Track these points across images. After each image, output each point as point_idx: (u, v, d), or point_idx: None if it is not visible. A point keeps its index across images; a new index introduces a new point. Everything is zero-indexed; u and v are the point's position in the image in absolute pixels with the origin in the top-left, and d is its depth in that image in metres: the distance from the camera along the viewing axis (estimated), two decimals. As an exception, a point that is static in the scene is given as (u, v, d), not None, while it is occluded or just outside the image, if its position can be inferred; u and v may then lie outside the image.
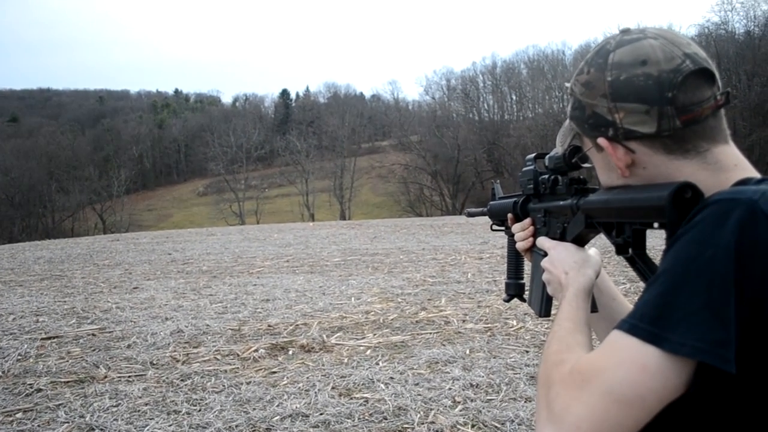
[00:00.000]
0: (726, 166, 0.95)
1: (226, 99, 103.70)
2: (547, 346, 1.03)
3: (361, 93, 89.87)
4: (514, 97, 69.37)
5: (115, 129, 77.86)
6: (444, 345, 4.72)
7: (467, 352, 4.51)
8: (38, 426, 3.40)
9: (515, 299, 1.61)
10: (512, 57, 76.13)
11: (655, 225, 0.95)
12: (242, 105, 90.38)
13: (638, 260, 1.02)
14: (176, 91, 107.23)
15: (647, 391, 0.80)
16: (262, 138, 73.17)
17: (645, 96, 0.94)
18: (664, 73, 0.93)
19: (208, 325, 5.60)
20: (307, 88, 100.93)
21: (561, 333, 1.04)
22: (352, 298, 6.80)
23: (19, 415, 3.56)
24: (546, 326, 5.05)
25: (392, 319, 5.65)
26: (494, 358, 4.36)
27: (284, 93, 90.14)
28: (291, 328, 5.44)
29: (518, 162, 51.27)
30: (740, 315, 0.79)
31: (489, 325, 5.28)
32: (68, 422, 3.43)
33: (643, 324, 0.83)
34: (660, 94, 0.93)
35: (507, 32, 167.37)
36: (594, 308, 1.17)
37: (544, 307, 1.33)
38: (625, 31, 1.02)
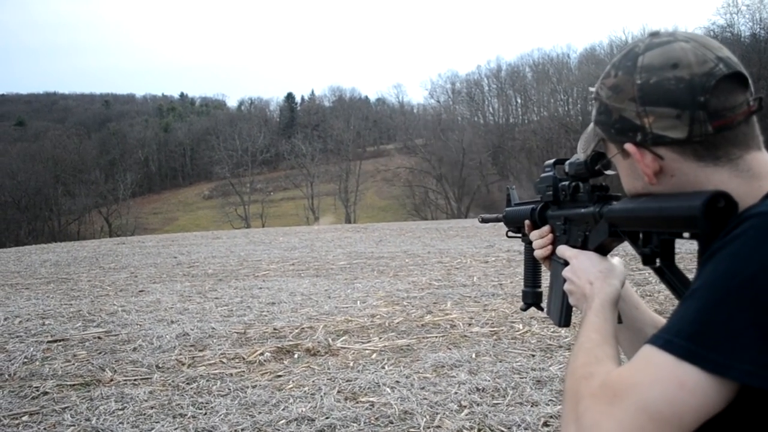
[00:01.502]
0: (759, 173, 0.92)
1: (232, 103, 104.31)
2: (574, 359, 1.00)
3: (366, 97, 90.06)
4: (519, 101, 69.48)
5: (121, 133, 78.10)
6: (450, 349, 4.71)
7: (473, 355, 4.50)
8: (44, 429, 3.40)
9: (532, 309, 1.56)
10: (517, 60, 76.52)
11: (686, 235, 0.92)
12: (247, 109, 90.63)
13: (667, 271, 0.99)
14: (182, 95, 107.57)
15: (686, 408, 0.78)
16: (268, 142, 73.41)
17: (676, 100, 0.91)
18: (697, 76, 0.90)
19: (213, 329, 5.60)
20: (312, 91, 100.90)
21: (588, 345, 1.00)
22: (358, 302, 6.79)
23: (25, 418, 3.57)
24: (552, 329, 5.03)
25: (398, 323, 5.64)
26: (500, 362, 4.34)
27: (289, 97, 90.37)
28: (296, 331, 5.43)
29: (523, 165, 51.31)
30: None
31: (495, 329, 5.26)
32: (74, 425, 3.42)
33: (679, 340, 0.79)
34: (692, 98, 0.90)
35: (512, 36, 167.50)
36: (619, 319, 1.13)
37: (564, 317, 1.30)
38: (654, 34, 0.99)
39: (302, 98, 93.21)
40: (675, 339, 0.80)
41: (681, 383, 0.78)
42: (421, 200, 61.40)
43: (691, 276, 0.95)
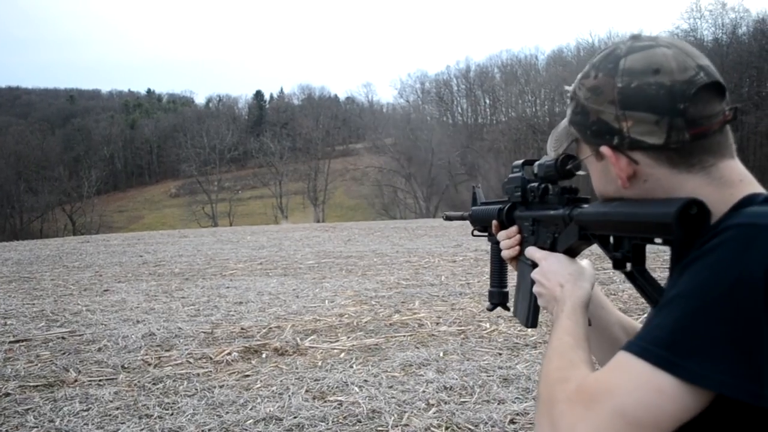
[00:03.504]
0: (731, 181, 0.93)
1: (200, 100, 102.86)
2: (548, 362, 1.00)
3: (336, 95, 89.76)
4: (487, 101, 70.00)
5: (86, 129, 76.67)
6: (418, 348, 4.74)
7: (441, 354, 4.53)
8: (6, 431, 3.34)
9: (499, 308, 1.55)
10: (486, 61, 76.86)
11: (658, 241, 0.93)
12: (216, 106, 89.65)
13: (638, 276, 0.98)
14: (149, 91, 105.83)
15: (662, 414, 0.79)
16: (236, 139, 72.79)
17: (656, 106, 0.91)
18: (678, 83, 0.91)
19: (180, 328, 5.55)
20: (282, 89, 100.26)
21: (562, 348, 1.01)
22: (326, 301, 6.79)
23: (-14, 420, 3.50)
24: (519, 328, 5.09)
25: (366, 322, 5.65)
26: (468, 360, 4.38)
27: (258, 94, 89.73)
28: (264, 331, 5.41)
29: (491, 165, 51.67)
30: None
31: (462, 328, 5.30)
32: (37, 427, 3.37)
33: (656, 348, 0.80)
34: (672, 104, 0.90)
35: (481, 37, 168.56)
36: (589, 322, 1.13)
37: (531, 317, 1.30)
38: (636, 38, 0.98)
39: (271, 96, 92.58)
40: (652, 347, 0.81)
41: (658, 390, 0.78)
42: (390, 199, 61.48)
43: (662, 280, 0.95)
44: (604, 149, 0.98)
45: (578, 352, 0.99)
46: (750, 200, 0.90)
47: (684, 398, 0.78)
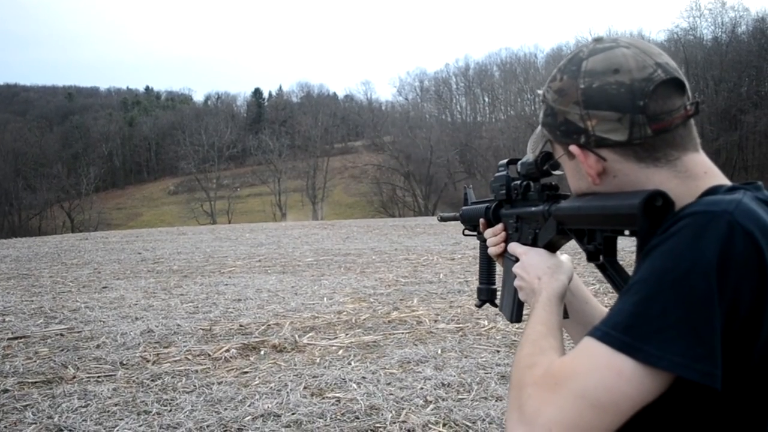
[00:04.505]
0: (696, 174, 0.96)
1: (198, 97, 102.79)
2: (520, 349, 1.04)
3: (335, 93, 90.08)
4: (486, 99, 70.14)
5: (85, 126, 76.67)
6: (416, 345, 4.75)
7: (439, 351, 4.54)
8: (5, 427, 3.35)
9: (487, 304, 1.58)
10: (485, 59, 76.80)
11: (626, 232, 0.96)
12: (214, 103, 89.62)
13: (609, 267, 1.02)
14: (147, 89, 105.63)
15: (622, 396, 0.82)
16: (234, 137, 72.79)
17: (617, 104, 0.95)
18: (636, 81, 0.94)
19: (178, 325, 5.56)
20: (280, 87, 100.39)
21: (534, 336, 1.04)
22: (325, 298, 6.80)
23: (-15, 416, 3.50)
24: (517, 327, 5.10)
25: (364, 319, 5.66)
26: (466, 357, 4.39)
27: (257, 92, 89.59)
28: (263, 328, 5.42)
29: (490, 164, 51.65)
30: (721, 329, 0.80)
31: (461, 325, 5.32)
32: (36, 423, 3.38)
33: (615, 332, 0.84)
34: (632, 102, 0.94)
35: (480, 35, 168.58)
36: (565, 315, 1.16)
37: (515, 312, 1.32)
38: (598, 40, 1.02)
39: (270, 94, 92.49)
40: (611, 331, 0.84)
41: (618, 372, 0.82)
42: (389, 197, 61.52)
43: (630, 271, 0.97)
44: (573, 148, 1.02)
45: (549, 340, 1.02)
46: (713, 191, 0.93)
47: (642, 380, 0.81)
